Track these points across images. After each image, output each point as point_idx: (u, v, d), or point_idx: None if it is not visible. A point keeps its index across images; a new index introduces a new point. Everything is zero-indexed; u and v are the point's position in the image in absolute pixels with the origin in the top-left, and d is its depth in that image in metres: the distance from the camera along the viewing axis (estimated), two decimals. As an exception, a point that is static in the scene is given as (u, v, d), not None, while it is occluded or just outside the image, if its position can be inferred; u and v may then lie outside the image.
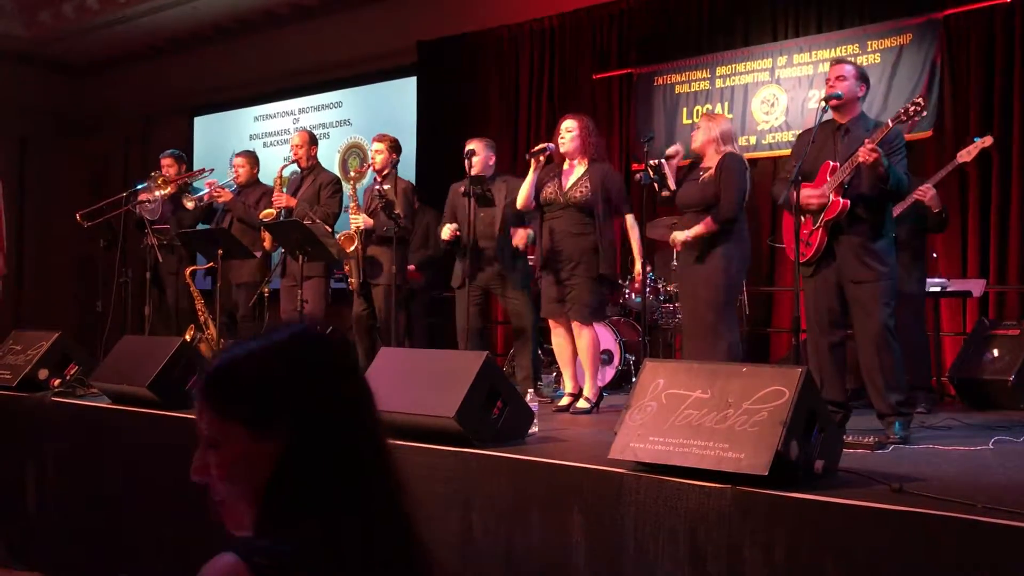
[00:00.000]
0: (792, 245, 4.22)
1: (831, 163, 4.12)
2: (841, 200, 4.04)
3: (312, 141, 6.62)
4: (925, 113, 4.09)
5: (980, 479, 3.03)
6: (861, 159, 3.93)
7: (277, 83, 10.67)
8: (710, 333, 4.59)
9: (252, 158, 7.02)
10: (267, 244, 6.45)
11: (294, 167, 6.61)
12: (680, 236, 4.76)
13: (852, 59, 6.57)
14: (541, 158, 5.04)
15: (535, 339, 5.68)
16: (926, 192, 5.19)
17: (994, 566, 2.27)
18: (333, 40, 10.05)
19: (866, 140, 3.95)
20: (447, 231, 5.62)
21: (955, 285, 6.06)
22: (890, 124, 4.00)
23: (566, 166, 5.12)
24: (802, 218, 4.17)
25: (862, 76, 4.25)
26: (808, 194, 4.12)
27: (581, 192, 4.97)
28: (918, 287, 5.31)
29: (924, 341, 5.49)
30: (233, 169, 6.99)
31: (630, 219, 5.19)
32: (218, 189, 6.85)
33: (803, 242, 4.15)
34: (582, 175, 5.02)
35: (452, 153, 5.66)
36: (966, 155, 5.31)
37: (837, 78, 4.18)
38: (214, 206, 7.03)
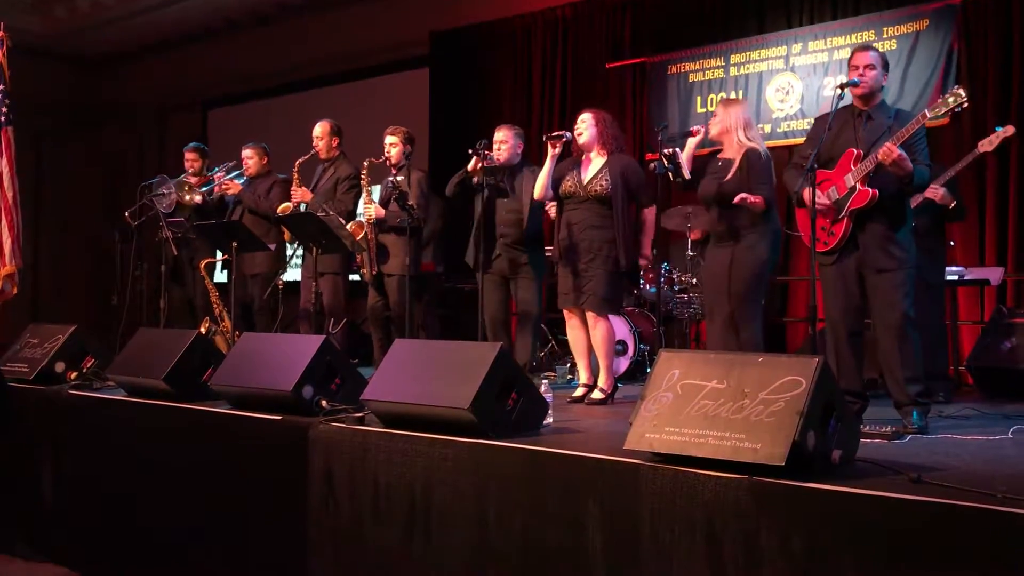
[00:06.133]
0: (817, 235, 4.18)
1: (854, 151, 4.07)
2: (870, 190, 3.99)
3: (334, 132, 6.53)
4: (967, 105, 4.00)
5: (1000, 469, 3.00)
6: (880, 158, 3.89)
7: (290, 75, 10.69)
8: (737, 319, 4.54)
9: (261, 150, 6.99)
10: (287, 238, 6.44)
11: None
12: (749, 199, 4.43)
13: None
14: (558, 144, 5.02)
15: (538, 328, 5.70)
16: (935, 192, 5.12)
17: (1016, 556, 2.25)
18: (346, 32, 10.06)
19: (888, 142, 3.89)
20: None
21: (973, 273, 6.02)
22: (928, 115, 3.93)
23: (584, 158, 5.09)
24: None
25: (886, 64, 4.20)
26: (818, 197, 4.06)
27: (601, 186, 4.94)
28: (938, 276, 5.26)
29: (942, 330, 5.44)
30: (242, 161, 6.98)
31: (650, 213, 5.15)
32: (227, 182, 6.85)
33: (826, 231, 4.11)
34: (601, 167, 4.99)
35: (466, 144, 5.64)
36: (987, 145, 5.24)
37: (866, 67, 4.09)
38: (225, 199, 7.04)
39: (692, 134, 4.94)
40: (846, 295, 4.11)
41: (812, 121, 7.10)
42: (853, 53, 4.21)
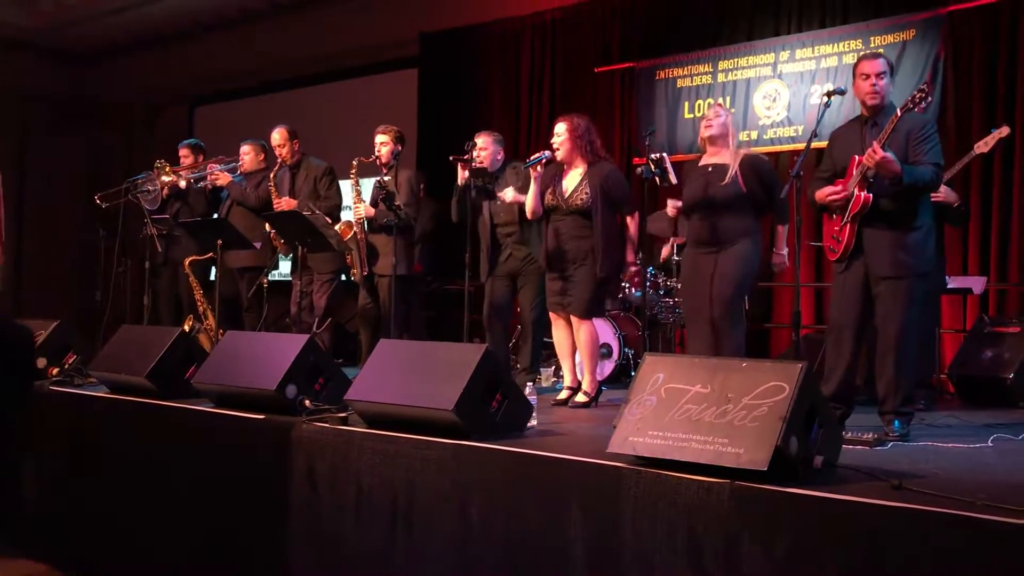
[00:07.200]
0: (830, 244, 4.19)
1: (857, 157, 4.08)
2: (863, 194, 4.00)
3: (292, 135, 6.51)
4: (930, 99, 4.04)
5: (979, 476, 3.02)
6: (864, 161, 3.91)
7: (278, 74, 10.65)
8: (719, 324, 4.55)
9: (259, 146, 6.95)
10: (280, 248, 6.43)
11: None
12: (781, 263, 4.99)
13: (857, 54, 6.56)
14: (539, 167, 5.02)
15: (539, 333, 5.69)
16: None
17: (993, 563, 2.26)
18: (335, 31, 10.04)
19: (874, 142, 3.92)
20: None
21: (956, 282, 6.05)
22: (899, 113, 3.95)
23: (564, 166, 5.08)
24: (832, 216, 4.17)
25: (892, 68, 4.24)
26: (829, 191, 4.12)
27: (582, 199, 4.93)
28: (937, 283, 5.24)
29: (931, 338, 5.45)
30: (239, 156, 6.94)
31: (633, 221, 5.13)
32: (217, 172, 6.82)
33: (836, 239, 4.14)
34: (581, 180, 4.97)
35: (453, 146, 5.64)
36: (983, 146, 5.26)
37: (878, 75, 4.09)
38: (220, 193, 7.01)
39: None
40: (851, 301, 4.09)
41: (798, 129, 7.22)
42: (861, 61, 4.19)
